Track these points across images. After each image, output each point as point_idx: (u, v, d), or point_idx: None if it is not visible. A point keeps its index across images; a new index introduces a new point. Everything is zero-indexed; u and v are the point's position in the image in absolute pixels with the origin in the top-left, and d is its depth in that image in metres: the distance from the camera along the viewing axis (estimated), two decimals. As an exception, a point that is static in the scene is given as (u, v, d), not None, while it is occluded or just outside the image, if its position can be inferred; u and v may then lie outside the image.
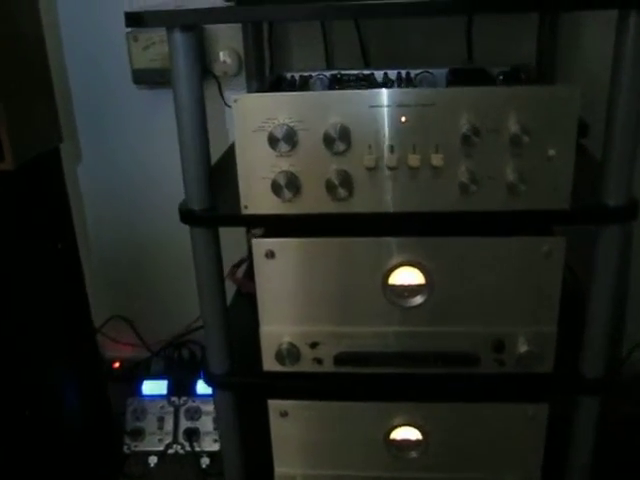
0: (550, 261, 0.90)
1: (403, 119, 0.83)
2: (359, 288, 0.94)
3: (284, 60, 1.35)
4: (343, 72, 1.09)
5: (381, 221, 0.89)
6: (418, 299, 0.94)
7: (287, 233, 0.93)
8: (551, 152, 0.83)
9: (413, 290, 0.93)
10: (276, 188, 0.87)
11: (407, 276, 0.93)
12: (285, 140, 0.84)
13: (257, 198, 0.89)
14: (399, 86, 1.06)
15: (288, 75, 1.13)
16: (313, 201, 0.88)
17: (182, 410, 1.45)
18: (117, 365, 1.66)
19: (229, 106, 1.27)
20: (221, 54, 1.36)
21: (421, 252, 0.91)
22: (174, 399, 1.47)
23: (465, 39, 1.24)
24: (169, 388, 1.48)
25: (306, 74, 1.10)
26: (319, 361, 0.98)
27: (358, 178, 0.86)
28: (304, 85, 1.09)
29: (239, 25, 1.28)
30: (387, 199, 0.87)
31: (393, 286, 0.93)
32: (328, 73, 1.09)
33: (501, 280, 0.92)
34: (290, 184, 0.86)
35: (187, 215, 0.93)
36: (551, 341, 0.94)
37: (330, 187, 0.86)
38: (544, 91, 0.82)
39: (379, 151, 0.84)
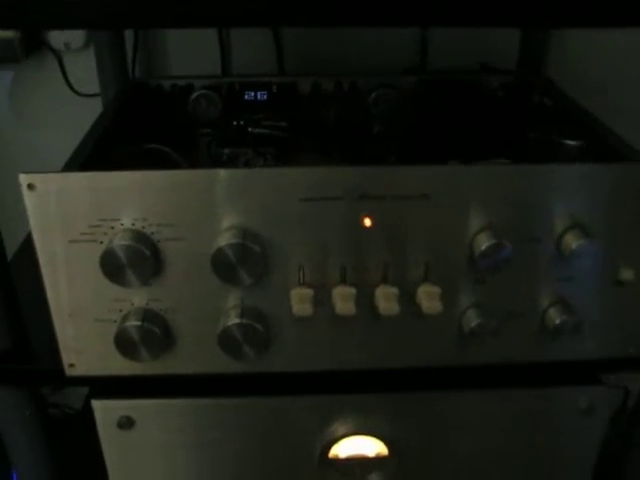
0: (589, 420, 0.55)
1: (368, 222, 0.43)
2: (280, 467, 0.56)
3: (155, 39, 0.82)
4: (245, 80, 0.65)
5: (317, 380, 0.51)
6: (377, 476, 0.57)
7: (155, 391, 0.53)
8: (626, 274, 0.46)
9: (368, 464, 0.57)
10: (124, 345, 0.45)
11: (359, 446, 0.56)
12: (134, 265, 0.42)
13: (92, 352, 0.47)
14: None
15: (153, 83, 0.66)
16: (196, 358, 0.48)
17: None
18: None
19: (79, 94, 0.79)
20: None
21: (382, 416, 0.54)
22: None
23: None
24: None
25: (182, 83, 0.64)
26: None
27: (279, 326, 0.46)
28: (179, 107, 0.62)
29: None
30: (331, 356, 0.48)
31: (336, 460, 0.56)
32: (225, 81, 0.64)
33: (507, 446, 0.57)
34: (150, 337, 0.45)
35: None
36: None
37: (227, 344, 0.45)
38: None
39: (319, 276, 0.45)
